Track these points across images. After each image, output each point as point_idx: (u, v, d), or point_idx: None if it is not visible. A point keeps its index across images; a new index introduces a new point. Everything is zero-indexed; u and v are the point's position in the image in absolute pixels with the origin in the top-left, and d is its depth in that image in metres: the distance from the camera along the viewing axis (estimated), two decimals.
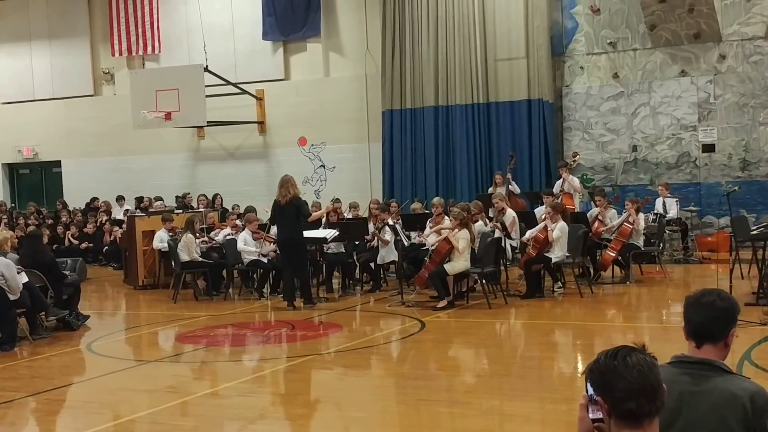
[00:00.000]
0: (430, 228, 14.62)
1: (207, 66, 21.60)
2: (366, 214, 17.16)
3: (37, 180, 27.89)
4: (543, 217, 14.83)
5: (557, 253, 14.07)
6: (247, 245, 15.62)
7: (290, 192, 14.17)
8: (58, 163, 26.66)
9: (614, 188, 19.63)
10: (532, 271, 14.23)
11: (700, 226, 19.11)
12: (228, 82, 22.32)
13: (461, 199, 18.13)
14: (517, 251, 15.78)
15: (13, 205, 26.80)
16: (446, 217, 14.38)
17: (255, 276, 16.28)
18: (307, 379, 9.91)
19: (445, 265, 13.47)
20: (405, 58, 21.48)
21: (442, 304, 13.44)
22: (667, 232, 17.42)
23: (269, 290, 15.89)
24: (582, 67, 20.40)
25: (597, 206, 16.22)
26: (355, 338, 11.94)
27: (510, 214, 15.45)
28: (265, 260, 15.71)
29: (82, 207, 24.75)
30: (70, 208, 24.64)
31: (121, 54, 25.09)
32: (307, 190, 22.23)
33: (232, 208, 20.25)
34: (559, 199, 16.61)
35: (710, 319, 3.69)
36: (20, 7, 26.23)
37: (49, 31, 25.97)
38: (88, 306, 14.95)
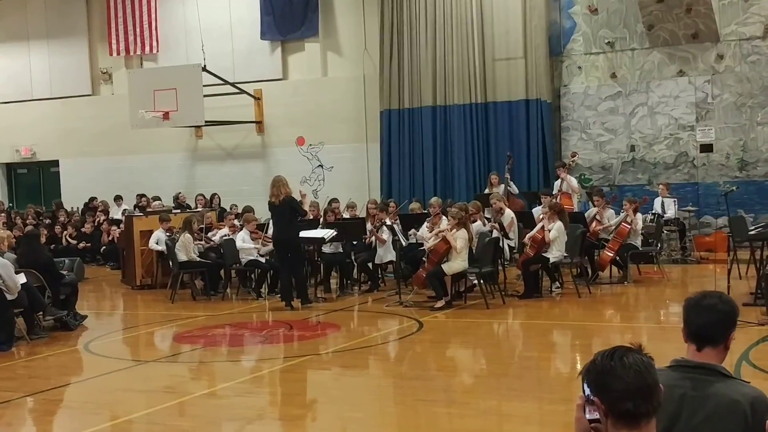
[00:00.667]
0: (428, 229, 14.61)
1: (205, 65, 21.58)
2: (364, 214, 17.15)
3: (35, 180, 27.87)
4: (541, 217, 14.84)
5: (555, 253, 14.07)
6: (245, 245, 15.61)
7: (282, 192, 14.13)
8: (56, 163, 26.65)
9: (612, 188, 19.63)
10: (530, 271, 14.23)
11: (697, 226, 19.12)
12: (226, 82, 22.31)
13: (459, 199, 18.12)
14: (515, 251, 15.79)
15: (10, 204, 26.78)
16: (444, 217, 14.37)
17: (253, 276, 16.28)
18: (304, 380, 9.91)
19: (442, 265, 13.47)
20: (403, 58, 21.48)
21: (439, 304, 13.44)
22: (664, 232, 17.41)
23: (267, 290, 15.89)
24: (580, 67, 20.40)
25: (595, 206, 16.23)
26: (353, 338, 11.94)
27: (509, 214, 15.46)
28: (262, 260, 15.71)
29: (81, 207, 24.73)
30: (68, 208, 24.64)
31: (119, 54, 25.08)
32: (305, 189, 22.21)
33: (230, 208, 20.25)
34: (558, 199, 16.61)
35: (712, 323, 3.67)
36: (18, 7, 26.21)
37: (47, 30, 25.95)
38: (85, 306, 14.95)
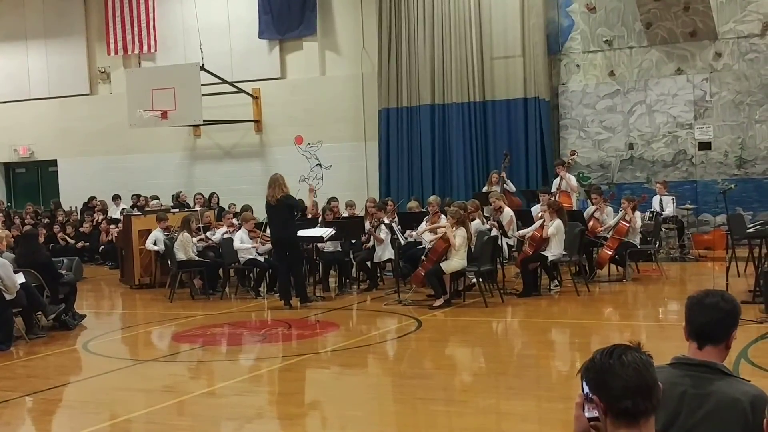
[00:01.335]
0: (427, 227, 14.61)
1: (203, 65, 21.58)
2: (362, 213, 17.15)
3: (33, 179, 27.85)
4: (539, 215, 14.84)
5: (554, 252, 14.07)
6: (243, 244, 15.61)
7: (278, 192, 14.10)
8: (54, 162, 26.64)
9: (610, 186, 19.63)
10: (528, 269, 14.23)
11: (696, 224, 19.13)
12: (224, 81, 22.32)
13: (457, 198, 18.12)
14: (513, 249, 15.80)
15: (9, 204, 26.77)
16: (442, 216, 14.37)
17: (251, 275, 16.28)
18: (303, 379, 9.91)
19: (441, 264, 13.46)
20: (401, 56, 21.48)
21: (438, 302, 13.44)
22: (663, 230, 17.41)
23: (266, 289, 15.88)
24: (578, 65, 20.42)
25: (593, 204, 16.23)
26: (352, 337, 11.94)
27: (507, 212, 15.46)
28: (261, 259, 15.71)
29: (80, 206, 24.72)
30: (67, 208, 24.64)
31: (117, 53, 25.07)
32: (303, 188, 22.20)
33: (229, 207, 20.25)
34: (557, 197, 16.61)
35: (714, 321, 3.67)
36: (16, 6, 26.20)
37: (45, 30, 25.94)
38: (84, 305, 14.95)
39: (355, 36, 22.58)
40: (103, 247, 22.16)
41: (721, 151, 19.22)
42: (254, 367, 10.59)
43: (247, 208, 17.40)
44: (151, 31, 24.62)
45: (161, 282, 17.14)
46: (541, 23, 20.30)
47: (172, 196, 22.88)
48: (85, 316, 13.63)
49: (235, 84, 22.66)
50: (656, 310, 13.65)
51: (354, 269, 16.38)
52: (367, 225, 16.11)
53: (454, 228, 13.38)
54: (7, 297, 11.58)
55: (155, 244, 16.84)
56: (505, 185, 18.43)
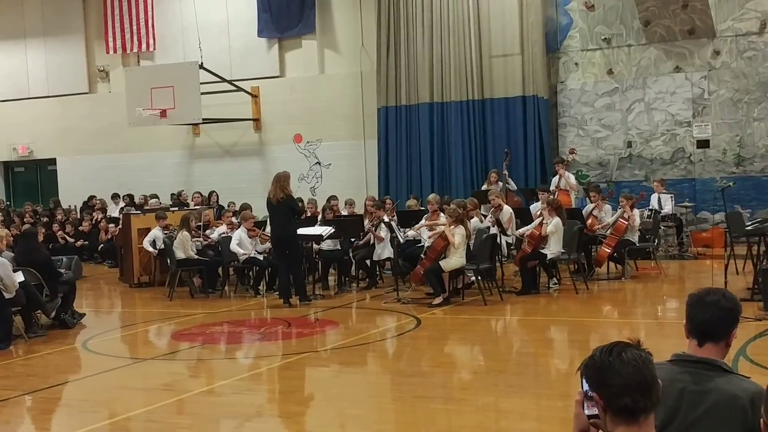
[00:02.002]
0: (427, 227, 14.61)
1: (202, 63, 21.58)
2: (362, 211, 17.15)
3: (33, 178, 27.85)
4: (538, 213, 14.85)
5: (552, 250, 14.09)
6: (241, 244, 15.57)
7: (280, 192, 14.09)
8: (53, 161, 26.64)
9: (609, 184, 19.64)
10: (527, 267, 14.24)
11: (694, 221, 19.14)
12: (223, 80, 22.32)
13: (456, 196, 18.12)
14: (512, 248, 15.80)
15: (8, 203, 26.77)
16: (442, 214, 14.38)
17: (251, 273, 16.28)
18: (303, 377, 9.92)
19: (440, 262, 13.47)
20: (400, 54, 21.48)
21: (437, 300, 13.45)
22: (661, 228, 17.42)
23: (265, 287, 15.89)
24: (576, 64, 20.42)
25: (592, 202, 16.23)
26: (351, 335, 11.94)
27: (507, 210, 15.46)
28: (260, 258, 15.70)
29: (79, 205, 24.69)
30: (67, 206, 24.62)
31: (115, 51, 25.07)
32: (302, 187, 22.27)
33: (228, 206, 20.24)
34: (556, 195, 16.62)
35: (714, 319, 3.68)
36: (15, 5, 26.18)
37: (44, 28, 25.93)
38: (83, 304, 14.96)
39: (354, 34, 22.58)
40: (102, 245, 22.15)
41: (720, 149, 19.23)
42: (254, 366, 10.60)
43: (246, 207, 17.37)
44: (150, 29, 24.62)
45: (160, 280, 17.14)
46: (539, 21, 20.30)
47: (172, 194, 22.89)
48: (84, 314, 13.63)
49: (234, 82, 22.66)
50: (655, 307, 13.67)
51: (353, 267, 16.39)
52: (367, 223, 16.11)
53: (452, 226, 13.39)
54: (7, 296, 11.59)
55: (154, 242, 16.82)
56: (506, 184, 18.43)
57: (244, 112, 23.41)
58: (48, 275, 12.89)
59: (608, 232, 15.40)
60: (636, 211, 15.60)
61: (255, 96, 23.43)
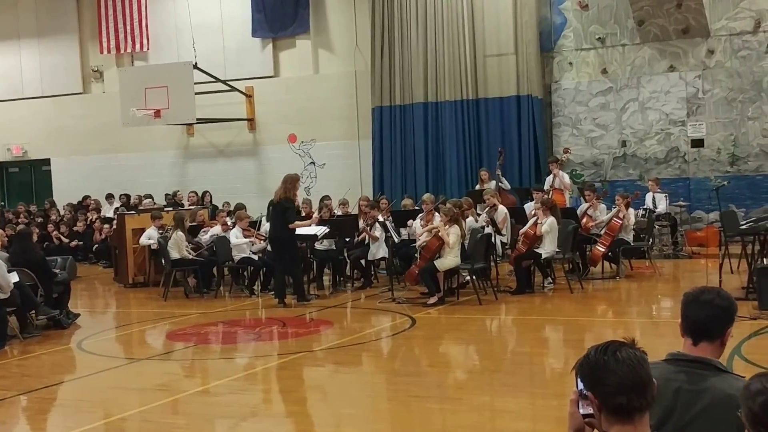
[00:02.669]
0: (422, 226, 14.61)
1: (196, 63, 21.56)
2: (356, 211, 17.15)
3: (27, 178, 27.82)
4: (533, 213, 14.85)
5: (547, 249, 14.09)
6: (239, 239, 15.60)
7: (282, 193, 14.10)
8: (47, 161, 26.60)
9: (603, 183, 19.65)
10: (522, 266, 14.25)
11: (689, 221, 19.17)
12: (217, 80, 22.30)
13: (451, 195, 18.15)
14: (507, 247, 15.80)
15: (2, 203, 26.74)
16: (437, 214, 14.38)
17: (245, 273, 16.28)
18: (298, 376, 9.91)
19: (435, 262, 13.48)
20: (394, 54, 21.48)
21: (432, 300, 13.46)
22: (656, 227, 17.44)
23: (260, 287, 15.89)
24: (571, 63, 20.44)
25: (586, 202, 16.24)
26: (346, 335, 11.94)
27: (501, 210, 15.47)
28: (255, 257, 15.71)
29: (75, 204, 24.65)
30: (60, 207, 24.58)
31: (109, 52, 25.04)
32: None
33: (222, 206, 20.20)
34: (550, 194, 16.62)
35: (709, 318, 3.68)
36: (9, 5, 26.14)
37: (38, 28, 25.89)
38: (78, 304, 14.95)
39: (348, 34, 22.58)
40: (96, 246, 22.12)
41: (714, 148, 19.25)
42: (249, 366, 10.59)
43: (240, 207, 17.38)
44: (144, 29, 24.59)
45: (155, 281, 17.11)
46: (533, 21, 20.32)
47: (167, 195, 22.87)
48: (79, 315, 13.63)
49: (228, 82, 22.64)
50: (650, 306, 13.69)
51: (348, 267, 16.38)
52: (361, 223, 16.11)
53: (447, 226, 13.40)
54: (1, 296, 11.57)
55: (149, 239, 16.83)
56: (500, 183, 18.43)
57: (239, 112, 23.40)
58: (43, 275, 12.89)
59: (603, 231, 15.41)
60: (631, 211, 15.61)
61: (249, 96, 23.42)
